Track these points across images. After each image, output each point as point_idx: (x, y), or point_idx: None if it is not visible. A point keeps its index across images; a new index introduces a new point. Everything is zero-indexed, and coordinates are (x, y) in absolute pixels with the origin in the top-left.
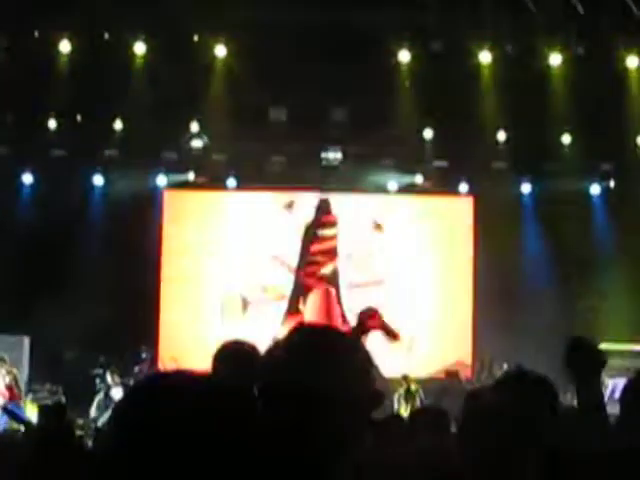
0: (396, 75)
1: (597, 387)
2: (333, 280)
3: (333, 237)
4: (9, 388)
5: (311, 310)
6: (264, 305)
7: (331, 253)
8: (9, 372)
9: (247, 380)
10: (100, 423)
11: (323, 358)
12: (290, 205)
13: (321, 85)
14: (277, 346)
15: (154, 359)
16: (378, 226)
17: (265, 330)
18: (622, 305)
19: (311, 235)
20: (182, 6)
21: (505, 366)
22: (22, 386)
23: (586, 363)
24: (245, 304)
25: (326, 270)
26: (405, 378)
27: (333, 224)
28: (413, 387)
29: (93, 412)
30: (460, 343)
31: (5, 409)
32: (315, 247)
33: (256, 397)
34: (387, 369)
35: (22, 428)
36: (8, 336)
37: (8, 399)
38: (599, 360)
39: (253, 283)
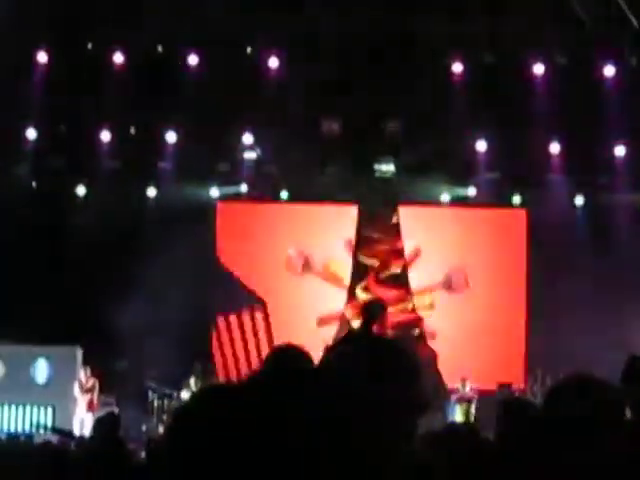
0: (449, 87)
1: None
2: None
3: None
4: (90, 402)
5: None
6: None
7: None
8: (90, 388)
9: (293, 384)
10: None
11: (368, 365)
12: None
13: (374, 97)
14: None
15: (207, 373)
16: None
17: None
18: None
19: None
20: (233, 18)
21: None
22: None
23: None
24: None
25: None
26: (463, 381)
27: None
28: (469, 393)
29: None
30: (513, 356)
31: (54, 429)
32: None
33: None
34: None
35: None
36: (61, 347)
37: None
38: None
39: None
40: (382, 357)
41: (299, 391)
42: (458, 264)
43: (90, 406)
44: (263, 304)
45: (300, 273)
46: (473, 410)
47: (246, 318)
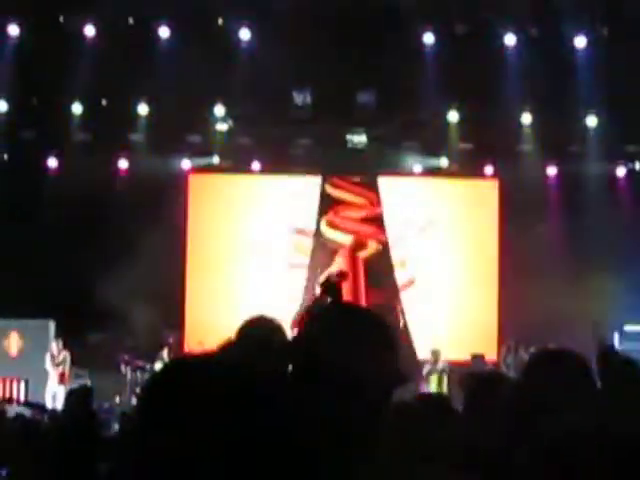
0: (421, 58)
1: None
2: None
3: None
4: (61, 375)
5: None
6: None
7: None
8: (62, 361)
9: (268, 356)
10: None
11: (348, 335)
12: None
13: (346, 68)
14: (302, 321)
15: (179, 342)
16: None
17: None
18: None
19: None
20: None
21: (532, 350)
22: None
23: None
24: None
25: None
26: (435, 353)
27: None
28: (441, 365)
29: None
30: (486, 326)
31: (27, 403)
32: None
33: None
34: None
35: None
36: (33, 320)
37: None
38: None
39: (279, 261)
40: (359, 328)
41: (271, 363)
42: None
43: (62, 379)
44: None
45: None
46: (446, 381)
47: None
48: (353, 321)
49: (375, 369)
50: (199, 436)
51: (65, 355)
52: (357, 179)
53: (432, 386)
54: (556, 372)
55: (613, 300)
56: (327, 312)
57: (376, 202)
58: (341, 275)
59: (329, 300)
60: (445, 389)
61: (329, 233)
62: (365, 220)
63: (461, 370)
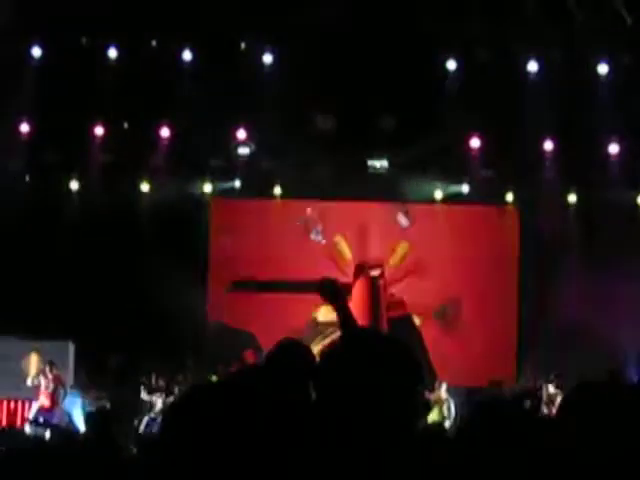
0: (444, 84)
1: None
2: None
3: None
4: (51, 395)
5: (355, 300)
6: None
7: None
8: (56, 377)
9: (297, 381)
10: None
11: (373, 366)
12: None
13: (369, 93)
14: (333, 350)
15: (199, 367)
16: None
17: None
18: None
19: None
20: (229, 13)
21: (552, 377)
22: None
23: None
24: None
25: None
26: (439, 382)
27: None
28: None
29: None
30: (505, 353)
31: (37, 422)
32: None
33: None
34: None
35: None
36: (53, 341)
37: (48, 408)
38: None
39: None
40: (383, 357)
41: (298, 389)
42: (454, 295)
43: (52, 400)
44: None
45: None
46: (447, 411)
47: None
48: (373, 355)
49: (395, 405)
50: (219, 461)
51: (55, 375)
52: None
53: (434, 414)
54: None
55: (633, 329)
56: (344, 346)
57: None
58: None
59: (336, 311)
60: (449, 417)
61: None
62: None
63: (475, 397)
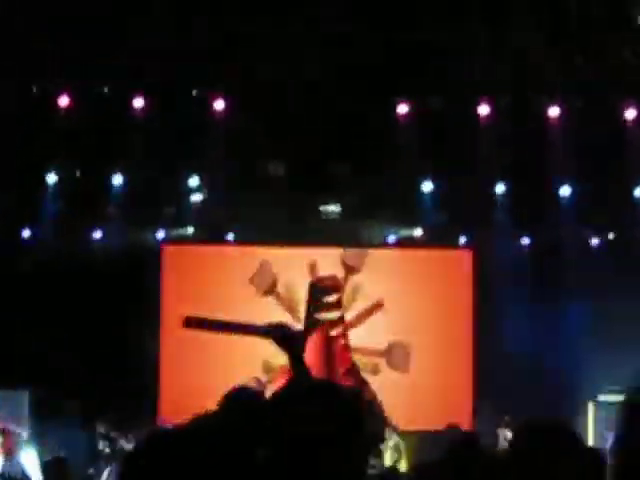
0: (396, 128)
1: None
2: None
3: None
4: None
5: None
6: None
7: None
8: (7, 439)
9: (251, 426)
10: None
11: (323, 407)
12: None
13: (320, 139)
14: (280, 395)
15: (154, 416)
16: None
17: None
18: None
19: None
20: (181, 60)
21: (507, 420)
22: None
23: None
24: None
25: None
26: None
27: (336, 289)
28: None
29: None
30: (461, 396)
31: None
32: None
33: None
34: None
35: None
36: (7, 391)
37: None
38: None
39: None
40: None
41: (253, 433)
42: (401, 339)
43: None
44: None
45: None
46: (397, 454)
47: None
48: (321, 400)
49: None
50: None
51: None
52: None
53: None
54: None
55: (589, 370)
56: (291, 392)
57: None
58: (297, 333)
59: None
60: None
61: None
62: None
63: (435, 439)
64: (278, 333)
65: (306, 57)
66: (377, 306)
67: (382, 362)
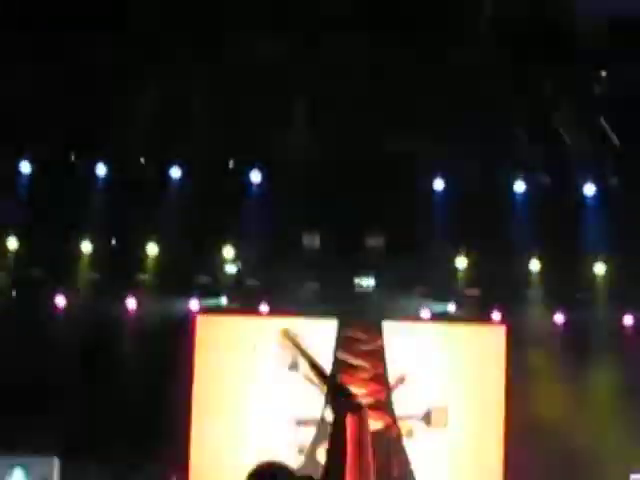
0: (430, 202)
1: None
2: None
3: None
4: None
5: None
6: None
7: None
8: None
9: None
10: None
11: None
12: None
13: (356, 212)
14: None
15: None
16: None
17: None
18: None
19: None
20: (216, 131)
21: None
22: None
23: None
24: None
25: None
26: None
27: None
28: None
29: None
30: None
31: None
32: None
33: None
34: None
35: None
36: (38, 457)
37: None
38: None
39: (288, 415)
40: None
41: None
42: (439, 400)
43: None
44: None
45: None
46: None
47: None
48: None
49: None
50: None
51: None
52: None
53: None
54: None
55: (620, 449)
56: None
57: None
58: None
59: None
60: None
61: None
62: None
63: None
64: (333, 382)
65: (340, 131)
66: (400, 380)
67: (418, 425)
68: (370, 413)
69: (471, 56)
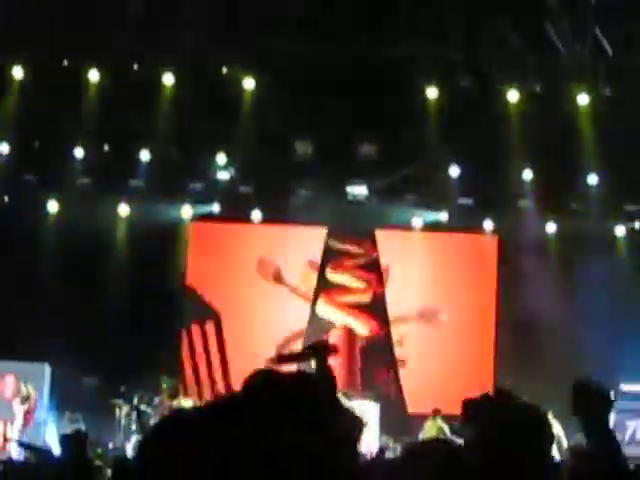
0: (424, 111)
1: (605, 433)
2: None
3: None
4: (26, 413)
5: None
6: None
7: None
8: (26, 397)
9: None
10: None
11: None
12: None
13: (348, 120)
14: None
15: (175, 389)
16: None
17: None
18: None
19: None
20: (210, 38)
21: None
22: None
23: (590, 409)
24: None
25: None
26: (436, 412)
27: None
28: (439, 424)
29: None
30: (482, 378)
31: (21, 443)
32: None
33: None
34: (416, 404)
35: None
36: (29, 363)
37: (23, 426)
38: (604, 404)
39: (277, 320)
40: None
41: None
42: (430, 302)
43: (27, 418)
44: (216, 317)
45: (271, 280)
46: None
47: (196, 334)
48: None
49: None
50: None
51: (30, 393)
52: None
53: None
54: None
55: (610, 359)
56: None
57: (372, 250)
58: (333, 347)
59: (313, 364)
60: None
61: (325, 310)
62: (362, 268)
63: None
64: (310, 349)
65: (336, 36)
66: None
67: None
68: (363, 316)
69: None
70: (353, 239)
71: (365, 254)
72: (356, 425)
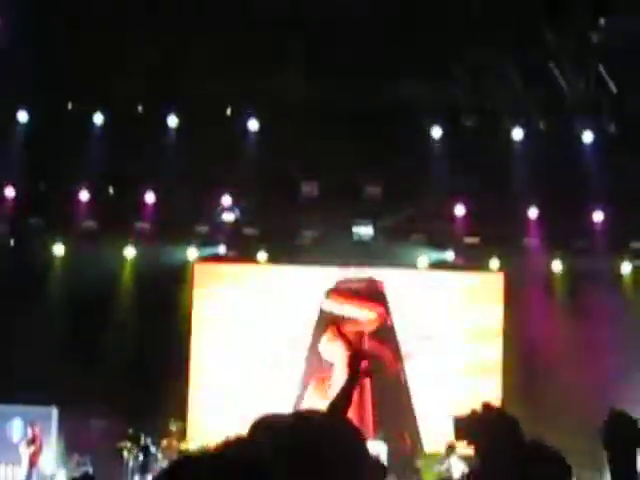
0: (429, 150)
1: (633, 466)
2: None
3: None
4: (32, 456)
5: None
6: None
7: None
8: (32, 440)
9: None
10: None
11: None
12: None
13: (353, 160)
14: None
15: (183, 432)
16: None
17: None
18: None
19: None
20: (215, 79)
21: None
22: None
23: (621, 440)
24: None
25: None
26: (451, 447)
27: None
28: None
29: None
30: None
31: None
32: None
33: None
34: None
35: None
36: (36, 407)
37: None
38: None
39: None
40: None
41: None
42: (436, 339)
43: (33, 460)
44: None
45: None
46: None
47: None
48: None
49: None
50: None
51: (35, 435)
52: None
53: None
54: None
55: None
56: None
57: (384, 314)
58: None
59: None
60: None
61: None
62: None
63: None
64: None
65: (343, 80)
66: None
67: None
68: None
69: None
70: (360, 300)
71: (376, 320)
72: (379, 472)
